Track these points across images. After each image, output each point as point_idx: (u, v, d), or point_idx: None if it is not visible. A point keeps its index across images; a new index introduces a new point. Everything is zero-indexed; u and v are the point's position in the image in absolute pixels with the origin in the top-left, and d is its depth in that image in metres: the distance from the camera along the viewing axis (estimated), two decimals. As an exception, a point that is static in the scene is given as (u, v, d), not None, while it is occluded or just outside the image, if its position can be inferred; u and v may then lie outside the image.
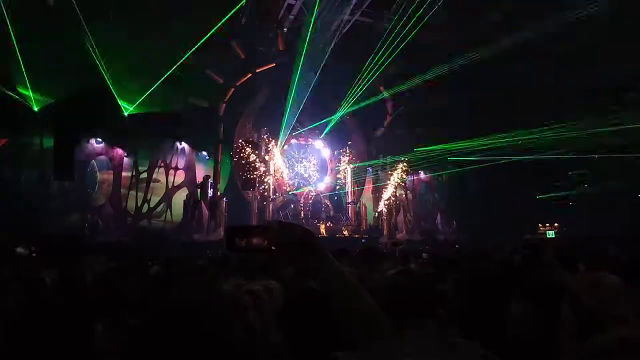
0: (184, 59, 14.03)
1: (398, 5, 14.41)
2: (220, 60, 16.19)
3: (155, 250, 10.54)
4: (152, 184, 17.06)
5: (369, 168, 21.50)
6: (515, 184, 18.22)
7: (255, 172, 18.48)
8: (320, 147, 21.29)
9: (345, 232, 19.31)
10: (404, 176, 20.86)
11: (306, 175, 20.83)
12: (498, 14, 14.78)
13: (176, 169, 17.80)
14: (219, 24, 13.63)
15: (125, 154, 16.48)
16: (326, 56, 16.41)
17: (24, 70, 12.51)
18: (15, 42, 11.71)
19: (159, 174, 17.40)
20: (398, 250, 7.53)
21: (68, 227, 14.48)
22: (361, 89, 17.28)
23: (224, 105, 18.19)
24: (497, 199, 18.62)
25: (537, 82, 16.16)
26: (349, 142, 21.19)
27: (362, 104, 18.20)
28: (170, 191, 17.49)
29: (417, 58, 16.15)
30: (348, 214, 20.82)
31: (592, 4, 12.13)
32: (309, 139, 20.92)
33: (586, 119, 15.12)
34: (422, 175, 23.09)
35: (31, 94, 13.44)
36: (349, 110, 18.82)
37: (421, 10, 13.29)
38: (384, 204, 20.61)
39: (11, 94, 12.90)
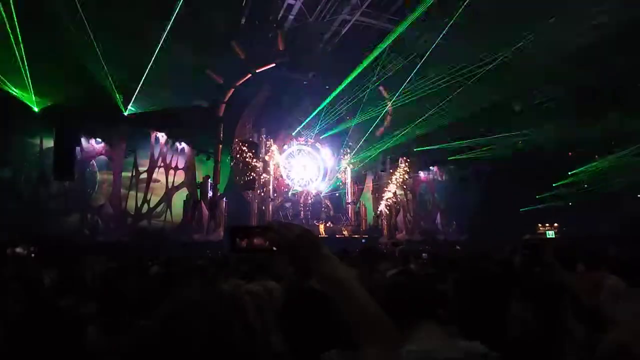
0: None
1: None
2: (220, 60, 16.18)
3: (155, 250, 10.55)
4: (152, 184, 17.05)
5: (369, 168, 21.54)
6: (515, 184, 18.23)
7: (255, 173, 18.50)
8: (320, 147, 21.30)
9: (345, 233, 19.33)
10: (406, 177, 20.92)
11: (306, 176, 20.84)
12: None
13: (176, 169, 17.80)
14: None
15: (125, 154, 16.48)
16: (326, 57, 16.42)
17: (24, 70, 12.52)
18: (14, 42, 11.72)
19: (159, 174, 17.39)
20: (398, 250, 7.54)
21: (68, 227, 14.49)
22: (362, 89, 17.28)
23: (224, 105, 18.20)
24: (497, 199, 18.63)
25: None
26: (349, 143, 21.21)
27: (363, 104, 18.19)
28: (170, 191, 17.49)
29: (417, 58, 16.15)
30: (348, 214, 20.83)
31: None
32: (309, 139, 20.93)
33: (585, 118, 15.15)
34: (421, 174, 23.12)
35: (32, 95, 13.44)
36: (350, 110, 18.83)
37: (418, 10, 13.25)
38: (384, 204, 20.63)
39: (11, 93, 12.90)
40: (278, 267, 4.04)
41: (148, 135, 17.20)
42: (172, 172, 17.66)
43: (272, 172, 19.25)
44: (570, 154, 19.39)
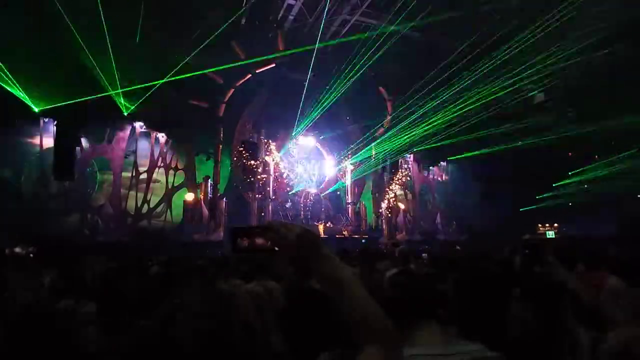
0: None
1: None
2: (220, 60, 16.17)
3: (155, 250, 10.54)
4: (152, 184, 17.06)
5: (369, 168, 21.53)
6: (515, 184, 18.23)
7: (255, 173, 18.50)
8: (320, 148, 21.29)
9: (345, 233, 19.31)
10: (407, 177, 20.95)
11: (306, 176, 20.83)
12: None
13: (176, 169, 17.80)
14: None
15: (125, 154, 16.48)
16: (326, 56, 16.42)
17: (24, 70, 12.52)
18: (14, 42, 11.72)
19: (159, 174, 17.40)
20: (398, 250, 7.54)
21: (68, 227, 14.49)
22: (362, 89, 17.29)
23: (224, 105, 18.20)
24: (497, 199, 18.63)
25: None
26: (349, 143, 21.21)
27: (363, 104, 18.21)
28: (170, 191, 17.49)
29: (417, 58, 16.17)
30: (348, 214, 20.82)
31: None
32: (309, 140, 20.92)
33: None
34: (421, 174, 23.12)
35: (32, 95, 13.44)
36: (350, 110, 18.84)
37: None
38: (384, 204, 20.63)
39: (11, 93, 12.90)
40: (278, 267, 4.04)
41: (148, 135, 17.21)
42: (172, 172, 17.67)
43: (272, 173, 19.24)
44: (570, 154, 19.40)
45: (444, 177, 23.68)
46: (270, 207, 18.87)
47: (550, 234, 19.89)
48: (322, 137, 20.90)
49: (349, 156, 21.02)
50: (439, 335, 1.33)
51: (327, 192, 20.96)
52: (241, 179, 18.46)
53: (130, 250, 11.41)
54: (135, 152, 16.78)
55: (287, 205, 20.01)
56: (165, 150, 17.61)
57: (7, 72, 12.42)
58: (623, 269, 2.65)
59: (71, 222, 14.88)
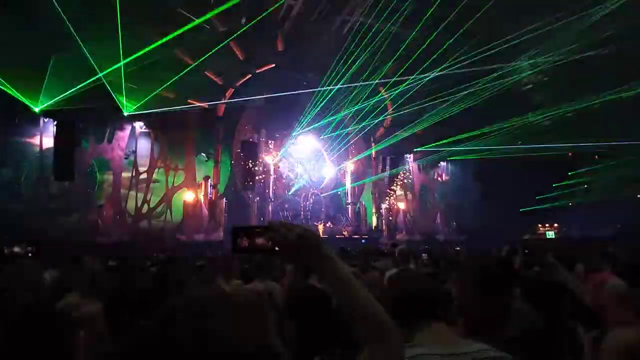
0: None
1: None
2: (220, 60, 16.16)
3: (155, 250, 10.54)
4: (152, 184, 17.07)
5: (370, 168, 21.54)
6: (515, 184, 18.23)
7: (254, 173, 18.50)
8: (320, 148, 21.29)
9: (345, 233, 19.31)
10: (408, 178, 20.96)
11: (306, 176, 20.83)
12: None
13: (176, 169, 17.81)
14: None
15: (126, 154, 16.49)
16: (326, 57, 16.40)
17: (25, 70, 12.51)
18: (14, 42, 11.70)
19: (159, 174, 17.41)
20: (398, 250, 7.52)
21: (68, 227, 14.49)
22: (362, 89, 17.29)
23: (224, 105, 18.20)
24: (497, 200, 18.62)
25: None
26: (349, 143, 21.20)
27: (363, 105, 18.20)
28: (170, 191, 17.50)
29: (418, 58, 16.14)
30: (348, 214, 20.83)
31: None
32: (309, 140, 20.92)
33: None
34: (421, 174, 23.11)
35: (32, 95, 13.44)
36: (350, 110, 18.82)
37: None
38: (384, 205, 20.63)
39: (12, 93, 12.89)
40: (278, 267, 4.04)
41: (148, 135, 17.21)
42: (172, 172, 17.67)
43: (271, 173, 19.24)
44: (570, 154, 19.40)
45: (444, 177, 23.64)
46: (270, 207, 18.88)
47: (550, 234, 19.88)
48: (322, 137, 20.90)
49: (349, 156, 21.03)
50: (443, 335, 1.33)
51: (328, 192, 20.97)
52: (241, 179, 18.47)
53: (130, 250, 11.41)
54: (135, 152, 16.79)
55: (287, 206, 20.02)
56: (165, 150, 17.62)
57: (7, 73, 12.40)
58: (623, 269, 2.65)
59: (71, 222, 14.88)
